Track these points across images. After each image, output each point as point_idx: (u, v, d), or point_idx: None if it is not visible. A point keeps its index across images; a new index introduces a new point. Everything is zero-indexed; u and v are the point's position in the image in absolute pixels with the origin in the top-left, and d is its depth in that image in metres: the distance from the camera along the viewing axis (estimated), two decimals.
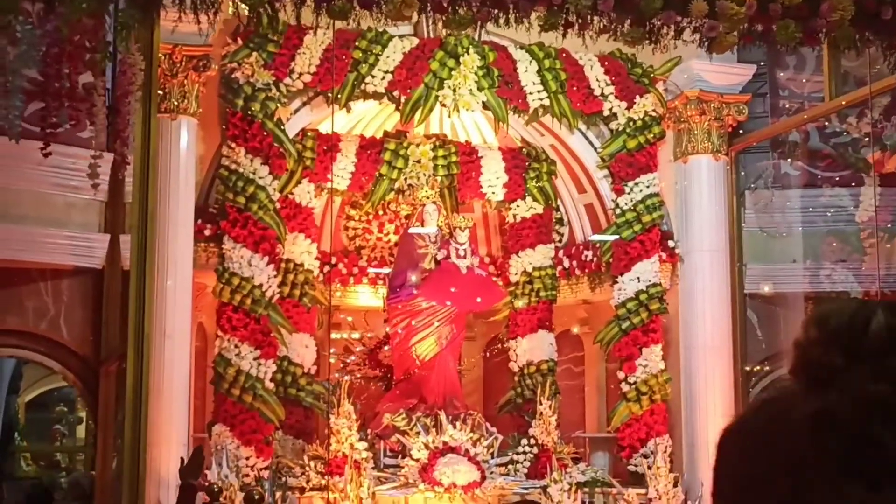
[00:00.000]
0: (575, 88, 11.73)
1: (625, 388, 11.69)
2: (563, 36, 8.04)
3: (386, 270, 12.72)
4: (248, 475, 10.30)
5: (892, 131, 11.81)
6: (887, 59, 8.66)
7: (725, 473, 1.31)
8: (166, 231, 9.87)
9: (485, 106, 11.49)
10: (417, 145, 12.14)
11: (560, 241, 12.96)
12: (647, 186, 11.87)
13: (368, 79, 11.13)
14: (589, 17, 7.72)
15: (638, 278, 11.72)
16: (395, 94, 11.27)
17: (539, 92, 11.59)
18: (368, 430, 11.38)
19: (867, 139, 11.80)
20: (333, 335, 12.51)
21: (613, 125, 11.99)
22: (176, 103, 10.33)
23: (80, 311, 10.49)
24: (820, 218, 12.19)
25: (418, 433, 11.07)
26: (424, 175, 12.18)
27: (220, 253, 10.77)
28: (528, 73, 11.57)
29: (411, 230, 12.45)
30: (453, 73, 11.25)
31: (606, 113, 11.92)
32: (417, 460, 10.80)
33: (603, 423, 12.70)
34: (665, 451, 11.27)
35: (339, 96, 11.07)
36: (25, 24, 6.99)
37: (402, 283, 12.15)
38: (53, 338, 10.41)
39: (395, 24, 8.79)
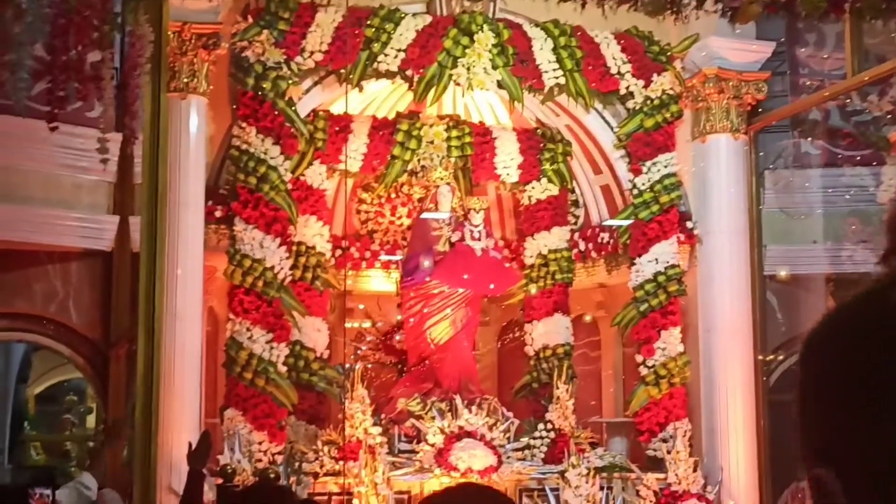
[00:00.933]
0: (591, 67, 11.50)
1: (643, 371, 11.49)
2: (583, 6, 7.85)
3: (397, 258, 12.54)
4: (260, 460, 10.14)
5: None
6: None
7: (825, 373, 1.16)
8: (177, 212, 9.70)
9: (499, 85, 11.28)
10: (431, 126, 11.94)
11: (575, 223, 12.75)
12: (665, 166, 11.66)
13: (381, 57, 10.93)
14: None
15: (656, 260, 11.51)
16: (409, 72, 11.06)
17: (554, 70, 11.37)
18: (382, 415, 11.21)
19: (889, 117, 11.59)
20: (346, 324, 12.36)
21: (630, 104, 11.77)
22: (186, 82, 10.15)
23: (88, 294, 10.35)
24: (841, 198, 11.99)
25: (433, 418, 10.88)
26: (438, 156, 11.99)
27: (231, 235, 10.58)
28: (543, 51, 11.35)
29: (424, 215, 12.25)
30: (467, 51, 11.05)
31: (623, 92, 11.70)
32: (433, 445, 10.61)
33: (620, 408, 12.50)
34: (685, 436, 11.06)
35: (352, 75, 10.88)
36: None
37: (415, 266, 11.95)
38: (62, 321, 10.28)
39: None
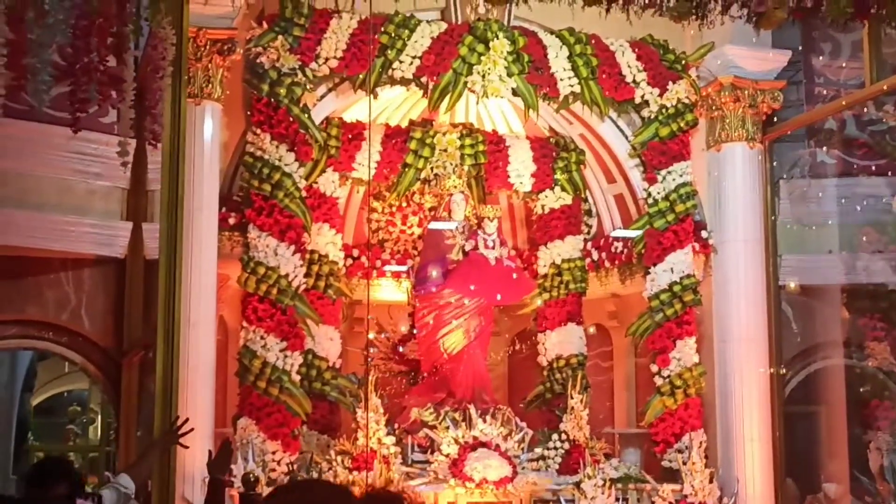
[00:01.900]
0: (606, 75, 11.44)
1: (658, 381, 11.39)
2: (607, 11, 7.76)
3: (404, 268, 12.46)
4: (274, 470, 10.02)
5: None
6: None
7: None
8: (191, 219, 9.58)
9: (514, 92, 11.21)
10: (444, 134, 11.87)
11: (588, 232, 12.67)
12: (681, 175, 11.59)
13: (396, 64, 10.86)
14: None
15: (671, 269, 11.43)
16: (424, 79, 10.99)
17: (570, 78, 11.31)
18: (396, 425, 11.10)
19: None
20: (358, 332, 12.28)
21: (645, 112, 11.70)
22: (200, 88, 10.06)
23: (101, 302, 10.25)
24: (856, 208, 11.90)
25: (447, 428, 10.78)
26: (451, 164, 11.92)
27: (245, 242, 10.49)
28: (558, 59, 11.29)
29: (435, 224, 12.16)
30: (482, 58, 10.98)
31: (638, 100, 11.64)
32: (447, 455, 10.50)
33: (632, 419, 12.42)
34: (700, 446, 10.96)
35: (367, 82, 10.80)
36: None
37: (428, 275, 11.86)
38: (75, 329, 10.16)
39: None
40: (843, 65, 11.77)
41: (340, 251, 11.55)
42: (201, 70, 10.10)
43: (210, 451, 6.97)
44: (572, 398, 11.43)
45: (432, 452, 10.73)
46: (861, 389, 11.90)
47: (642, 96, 11.61)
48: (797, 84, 11.83)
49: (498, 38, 11.01)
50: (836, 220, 11.93)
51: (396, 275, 12.56)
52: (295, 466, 10.09)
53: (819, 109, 11.86)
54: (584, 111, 11.67)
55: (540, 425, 11.85)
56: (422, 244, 12.40)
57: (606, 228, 12.58)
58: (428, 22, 11.05)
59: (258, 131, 10.51)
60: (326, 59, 10.73)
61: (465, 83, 11.01)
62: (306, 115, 10.65)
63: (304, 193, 10.69)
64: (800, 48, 11.77)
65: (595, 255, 12.45)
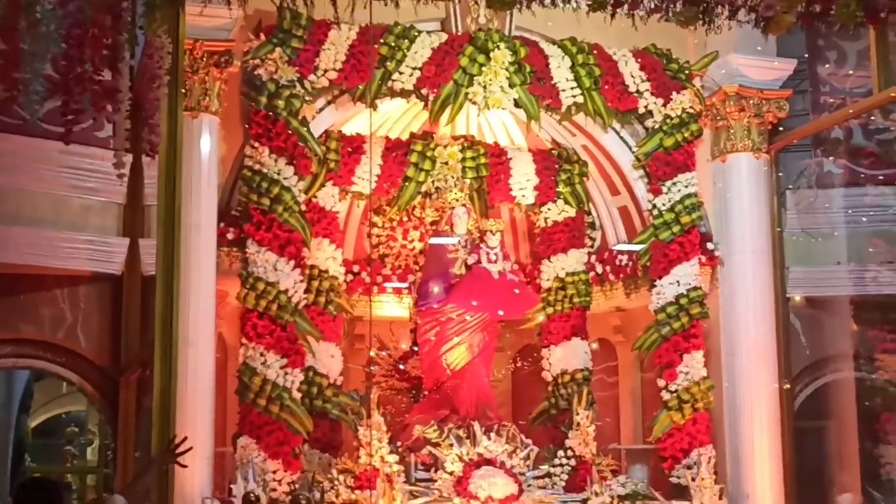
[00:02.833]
0: (609, 85, 11.29)
1: (665, 396, 11.19)
2: (612, 17, 7.59)
3: (406, 285, 12.29)
4: (275, 489, 9.83)
5: None
6: None
7: None
8: (188, 235, 9.39)
9: (516, 104, 11.05)
10: (445, 146, 11.70)
11: (592, 246, 12.48)
12: (686, 186, 11.42)
13: (396, 75, 10.71)
14: None
15: (678, 282, 11.25)
16: (424, 91, 10.84)
17: (572, 89, 11.16)
18: (398, 443, 10.91)
19: None
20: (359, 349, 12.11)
21: (649, 123, 11.55)
22: (197, 101, 9.91)
23: (97, 320, 10.09)
24: (864, 218, 11.74)
25: (451, 445, 10.58)
26: (452, 177, 11.74)
27: (244, 257, 10.32)
28: (560, 69, 11.14)
29: (436, 239, 11.99)
30: (483, 69, 10.83)
31: (642, 110, 11.48)
32: (452, 473, 10.31)
33: (639, 435, 12.22)
34: (709, 462, 10.77)
35: (367, 94, 10.65)
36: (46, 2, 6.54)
37: (430, 289, 11.69)
38: (71, 347, 9.99)
39: None
40: (849, 73, 11.62)
41: (341, 266, 11.37)
42: (198, 83, 9.97)
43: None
44: (578, 414, 11.25)
45: (436, 470, 10.54)
46: (871, 403, 11.72)
47: (646, 106, 11.46)
48: (803, 93, 11.69)
49: (499, 49, 10.87)
50: (843, 231, 11.76)
51: (398, 290, 12.38)
52: (296, 486, 9.89)
53: (825, 118, 11.72)
54: (587, 122, 11.51)
55: (545, 442, 11.64)
56: (423, 259, 12.22)
57: (610, 241, 12.39)
58: (428, 32, 10.91)
59: (256, 145, 10.35)
60: (325, 71, 10.59)
61: (466, 94, 10.87)
62: (305, 128, 10.50)
63: (303, 208, 10.54)
64: (805, 56, 11.61)
65: (599, 269, 12.25)
